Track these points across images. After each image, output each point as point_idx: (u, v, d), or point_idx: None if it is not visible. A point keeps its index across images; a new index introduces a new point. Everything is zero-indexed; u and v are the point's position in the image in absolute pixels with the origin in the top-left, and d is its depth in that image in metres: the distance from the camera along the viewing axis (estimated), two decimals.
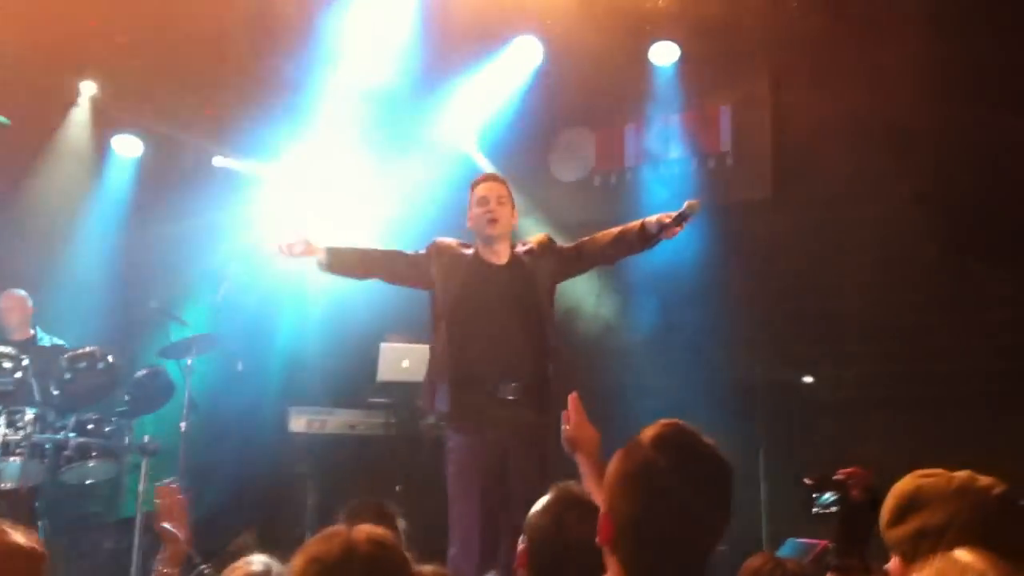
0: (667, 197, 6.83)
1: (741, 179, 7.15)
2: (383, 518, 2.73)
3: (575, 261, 4.70)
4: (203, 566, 5.53)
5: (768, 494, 5.81)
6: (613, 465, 1.97)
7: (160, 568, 2.68)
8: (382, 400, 6.63)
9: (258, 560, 2.31)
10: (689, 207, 4.23)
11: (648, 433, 1.95)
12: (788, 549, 4.09)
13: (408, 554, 1.92)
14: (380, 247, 4.80)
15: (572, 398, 3.02)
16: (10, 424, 5.55)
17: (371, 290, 7.20)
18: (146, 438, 6.12)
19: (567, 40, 6.98)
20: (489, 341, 4.43)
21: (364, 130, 7.30)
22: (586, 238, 4.72)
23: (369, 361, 6.62)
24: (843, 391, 6.39)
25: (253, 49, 6.88)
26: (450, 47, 7.12)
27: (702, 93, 7.29)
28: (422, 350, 6.44)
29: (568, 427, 2.95)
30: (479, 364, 4.41)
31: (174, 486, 2.89)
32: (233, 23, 6.66)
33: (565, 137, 7.90)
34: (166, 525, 2.73)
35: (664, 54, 7.09)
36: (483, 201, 4.57)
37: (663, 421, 1.98)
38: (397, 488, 6.24)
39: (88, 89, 7.60)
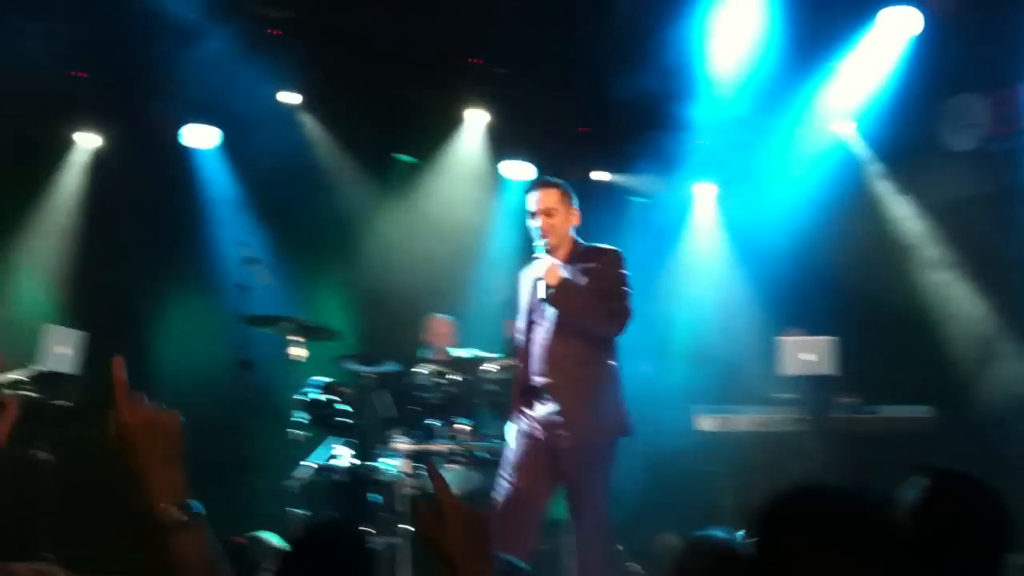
0: None
1: None
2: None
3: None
4: (627, 563, 5.85)
5: None
6: None
7: None
8: (785, 395, 6.64)
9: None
10: None
11: None
12: None
13: None
14: None
15: None
16: (450, 435, 6.08)
17: (760, 288, 7.34)
18: None
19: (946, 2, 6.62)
20: (531, 347, 4.59)
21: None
22: None
23: (764, 357, 6.67)
24: None
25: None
26: (820, 25, 6.97)
27: None
28: (823, 342, 6.39)
29: None
30: (528, 371, 4.60)
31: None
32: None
33: (954, 105, 7.44)
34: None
35: None
36: (530, 215, 4.53)
37: None
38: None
39: (479, 117, 8.14)
